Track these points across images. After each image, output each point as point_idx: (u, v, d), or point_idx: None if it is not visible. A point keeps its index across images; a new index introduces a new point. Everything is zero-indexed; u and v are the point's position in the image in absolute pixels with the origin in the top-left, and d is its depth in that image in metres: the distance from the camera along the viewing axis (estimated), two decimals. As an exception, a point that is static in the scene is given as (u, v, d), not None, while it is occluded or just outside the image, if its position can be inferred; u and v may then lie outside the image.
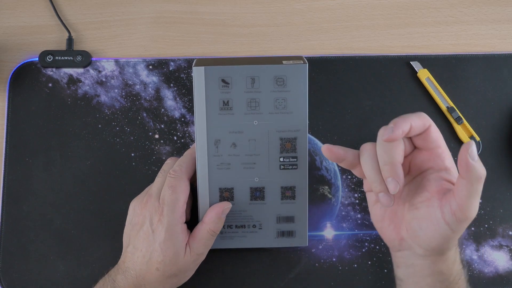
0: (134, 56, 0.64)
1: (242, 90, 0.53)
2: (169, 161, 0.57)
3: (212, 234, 0.54)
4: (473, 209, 0.46)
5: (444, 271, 0.49)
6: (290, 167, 0.55)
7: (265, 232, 0.56)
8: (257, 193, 0.55)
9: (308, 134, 0.56)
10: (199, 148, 0.54)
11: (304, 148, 0.55)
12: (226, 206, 0.54)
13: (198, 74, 0.53)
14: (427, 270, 0.50)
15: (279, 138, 0.54)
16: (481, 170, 0.44)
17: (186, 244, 0.53)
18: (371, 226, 0.60)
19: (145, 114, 0.62)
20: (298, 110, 0.54)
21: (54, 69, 0.63)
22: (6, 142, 0.61)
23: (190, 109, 0.62)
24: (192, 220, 0.57)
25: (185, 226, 0.53)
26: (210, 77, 0.53)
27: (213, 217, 0.54)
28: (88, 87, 0.63)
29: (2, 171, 0.61)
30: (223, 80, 0.53)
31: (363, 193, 0.60)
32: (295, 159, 0.54)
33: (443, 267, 0.49)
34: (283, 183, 0.55)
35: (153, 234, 0.52)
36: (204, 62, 0.55)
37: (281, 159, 0.54)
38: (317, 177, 0.60)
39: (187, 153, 0.56)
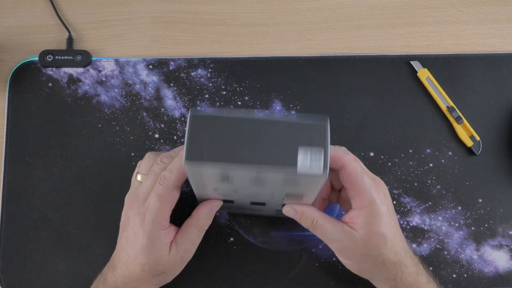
0: (134, 55, 0.64)
1: (245, 183, 0.46)
2: (159, 162, 0.53)
3: (199, 229, 0.53)
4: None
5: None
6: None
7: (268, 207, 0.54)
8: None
9: None
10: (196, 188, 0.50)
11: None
12: (216, 203, 0.53)
13: (191, 168, 0.44)
14: None
15: (284, 194, 0.50)
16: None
17: (172, 242, 0.52)
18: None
19: (145, 114, 0.62)
20: (311, 191, 0.48)
21: (54, 69, 0.63)
22: (6, 142, 0.61)
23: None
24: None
25: (169, 228, 0.52)
26: (207, 173, 0.45)
27: (201, 213, 0.53)
28: (88, 87, 0.63)
29: (2, 171, 0.61)
30: (222, 175, 0.45)
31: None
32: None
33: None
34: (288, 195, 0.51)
35: (135, 238, 0.51)
36: (201, 118, 0.44)
37: (284, 200, 0.51)
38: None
39: (181, 155, 0.52)
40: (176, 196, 0.52)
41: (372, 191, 0.49)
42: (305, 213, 0.51)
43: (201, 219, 0.53)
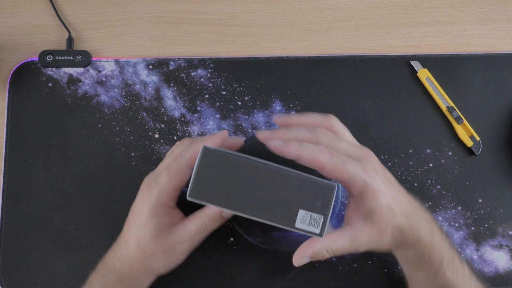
0: (134, 55, 0.64)
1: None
2: (180, 143, 0.54)
3: (204, 227, 0.52)
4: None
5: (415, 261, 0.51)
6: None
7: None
8: None
9: None
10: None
11: None
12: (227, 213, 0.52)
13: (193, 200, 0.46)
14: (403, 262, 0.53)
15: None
16: None
17: (174, 228, 0.52)
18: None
19: (145, 114, 0.62)
20: None
21: (54, 69, 0.63)
22: (6, 142, 0.61)
23: (190, 109, 0.62)
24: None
25: (173, 210, 0.52)
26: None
27: (212, 213, 0.52)
28: (88, 87, 0.63)
29: (2, 171, 0.61)
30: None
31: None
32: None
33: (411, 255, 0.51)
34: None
35: (139, 211, 0.52)
36: (212, 154, 0.45)
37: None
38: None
39: (204, 138, 0.52)
40: (185, 174, 0.51)
41: (359, 174, 0.48)
42: (316, 253, 0.49)
43: (208, 219, 0.52)
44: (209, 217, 0.52)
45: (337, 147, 0.50)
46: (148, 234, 0.51)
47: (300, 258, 0.49)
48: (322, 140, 0.50)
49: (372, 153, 0.51)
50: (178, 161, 0.51)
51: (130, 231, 0.53)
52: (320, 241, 0.49)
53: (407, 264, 0.53)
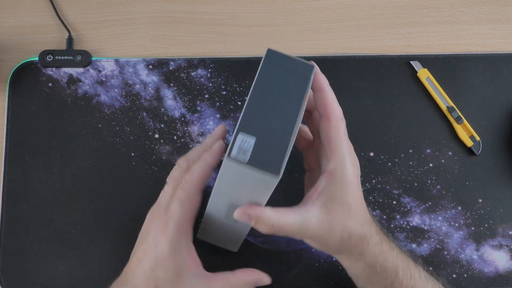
0: (134, 55, 0.64)
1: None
2: (177, 167, 0.50)
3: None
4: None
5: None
6: None
7: None
8: None
9: None
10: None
11: None
12: (265, 278, 0.50)
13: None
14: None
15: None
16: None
17: (198, 271, 0.48)
18: (371, 226, 0.60)
19: (145, 114, 0.62)
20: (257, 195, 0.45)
21: (54, 69, 0.63)
22: (6, 142, 0.61)
23: (190, 109, 0.62)
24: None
25: (192, 246, 0.49)
26: None
27: (247, 278, 0.49)
28: (88, 87, 0.63)
29: (2, 171, 0.61)
30: None
31: (362, 193, 0.60)
32: None
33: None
34: None
35: (155, 248, 0.47)
36: None
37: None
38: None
39: (203, 158, 0.49)
40: (198, 200, 0.49)
41: (346, 158, 0.46)
42: (259, 219, 0.45)
43: (242, 283, 0.49)
44: (252, 283, 0.49)
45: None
46: (172, 271, 0.46)
47: (243, 212, 0.45)
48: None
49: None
50: (186, 187, 0.48)
51: (143, 268, 0.47)
52: (269, 212, 0.45)
53: (360, 280, 0.51)
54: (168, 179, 0.50)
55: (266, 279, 0.50)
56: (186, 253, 0.47)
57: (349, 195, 0.47)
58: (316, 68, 0.46)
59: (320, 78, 0.46)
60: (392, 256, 0.49)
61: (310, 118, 0.51)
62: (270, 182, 0.40)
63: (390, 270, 0.48)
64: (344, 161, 0.46)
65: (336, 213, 0.46)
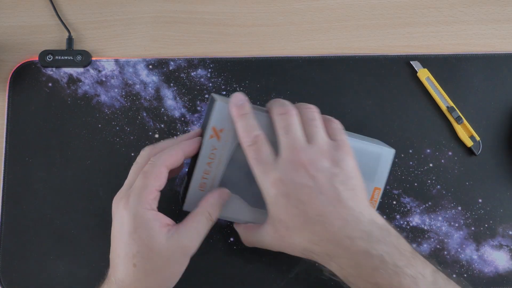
0: (134, 55, 0.64)
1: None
2: (143, 152, 0.51)
3: (207, 218, 0.48)
4: None
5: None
6: None
7: None
8: None
9: None
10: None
11: None
12: (223, 190, 0.50)
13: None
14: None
15: None
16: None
17: (169, 228, 0.46)
18: (371, 226, 0.60)
19: (145, 114, 0.62)
20: None
21: (54, 69, 0.63)
22: (6, 142, 0.61)
23: (190, 109, 0.62)
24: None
25: (159, 214, 0.47)
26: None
27: (209, 199, 0.49)
28: (88, 87, 0.63)
29: (2, 171, 0.61)
30: None
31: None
32: None
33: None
34: None
35: (122, 227, 0.46)
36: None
37: None
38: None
39: (168, 141, 0.51)
40: (163, 174, 0.47)
41: (259, 180, 0.47)
42: (240, 233, 0.52)
43: (209, 206, 0.48)
44: (210, 205, 0.49)
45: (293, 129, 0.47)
46: (142, 244, 0.45)
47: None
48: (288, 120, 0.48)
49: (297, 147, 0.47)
50: (152, 162, 0.48)
51: (117, 254, 0.46)
52: (244, 229, 0.53)
53: (346, 279, 0.48)
54: (132, 166, 0.51)
55: (223, 192, 0.50)
56: (153, 221, 0.46)
57: (280, 214, 0.47)
58: (231, 99, 0.49)
59: (231, 109, 0.49)
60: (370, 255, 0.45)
61: None
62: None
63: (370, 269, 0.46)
64: (260, 183, 0.47)
65: (281, 230, 0.48)
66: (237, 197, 0.52)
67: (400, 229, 0.60)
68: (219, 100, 0.50)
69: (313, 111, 0.49)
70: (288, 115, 0.48)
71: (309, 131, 0.48)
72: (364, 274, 0.45)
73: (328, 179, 0.46)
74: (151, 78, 0.63)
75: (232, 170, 0.51)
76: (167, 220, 0.47)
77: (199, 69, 0.63)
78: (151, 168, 0.47)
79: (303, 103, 0.51)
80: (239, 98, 0.49)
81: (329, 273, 0.48)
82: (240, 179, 0.51)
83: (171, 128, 0.62)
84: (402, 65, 0.63)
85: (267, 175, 0.47)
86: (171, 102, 0.62)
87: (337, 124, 0.51)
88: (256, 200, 0.51)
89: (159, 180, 0.47)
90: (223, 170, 0.51)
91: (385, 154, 0.54)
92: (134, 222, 0.45)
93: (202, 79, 0.63)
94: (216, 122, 0.50)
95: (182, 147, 0.49)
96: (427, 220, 0.60)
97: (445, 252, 0.59)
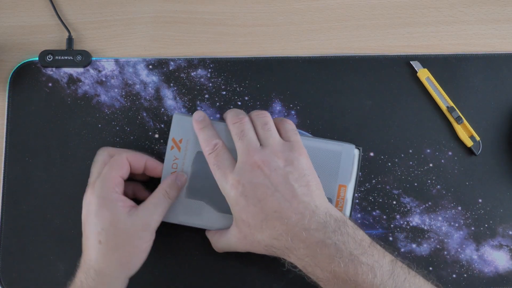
0: (134, 55, 0.64)
1: None
2: (101, 151, 0.55)
3: (164, 194, 0.52)
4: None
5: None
6: None
7: None
8: None
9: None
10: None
11: None
12: (180, 174, 0.55)
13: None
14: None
15: None
16: None
17: (132, 207, 0.51)
18: (371, 226, 0.60)
19: (145, 114, 0.62)
20: None
21: (54, 69, 0.63)
22: (6, 142, 0.61)
23: (190, 109, 0.62)
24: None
25: (122, 196, 0.52)
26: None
27: (167, 180, 0.54)
28: (88, 87, 0.63)
29: (2, 171, 0.61)
30: None
31: (362, 193, 0.60)
32: None
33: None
34: None
35: (89, 208, 0.50)
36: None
37: None
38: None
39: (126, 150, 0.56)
40: (125, 163, 0.53)
41: (220, 184, 0.52)
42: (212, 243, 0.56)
43: (166, 185, 0.53)
44: (167, 185, 0.53)
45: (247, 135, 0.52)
46: (106, 221, 0.49)
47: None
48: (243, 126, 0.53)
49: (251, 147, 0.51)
50: (117, 156, 0.53)
51: (86, 236, 0.51)
52: (213, 236, 0.56)
53: (305, 269, 0.50)
54: (93, 164, 0.55)
55: (180, 175, 0.55)
56: (117, 201, 0.50)
57: (241, 214, 0.50)
58: (193, 116, 0.55)
59: (194, 124, 0.55)
60: (326, 245, 0.48)
61: None
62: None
63: (326, 257, 0.48)
64: (221, 187, 0.51)
65: (243, 230, 0.51)
66: (203, 204, 0.55)
67: (400, 229, 0.60)
68: (176, 114, 0.57)
69: (264, 115, 0.53)
70: (241, 123, 0.52)
71: (262, 135, 0.52)
72: (321, 263, 0.48)
73: (283, 177, 0.49)
74: (151, 78, 0.63)
75: (196, 179, 0.56)
76: (129, 202, 0.52)
77: (199, 69, 0.63)
78: (113, 160, 0.53)
79: (256, 110, 0.55)
80: (199, 114, 0.55)
81: (290, 264, 0.51)
82: (204, 186, 0.55)
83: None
84: (402, 65, 0.63)
85: (226, 178, 0.51)
86: (171, 102, 0.62)
87: (290, 125, 0.54)
88: (222, 205, 0.54)
89: (122, 169, 0.52)
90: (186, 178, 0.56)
91: (345, 151, 0.55)
92: (99, 202, 0.50)
93: (202, 79, 0.63)
94: (174, 134, 0.56)
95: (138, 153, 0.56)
96: (427, 220, 0.60)
97: (445, 252, 0.59)
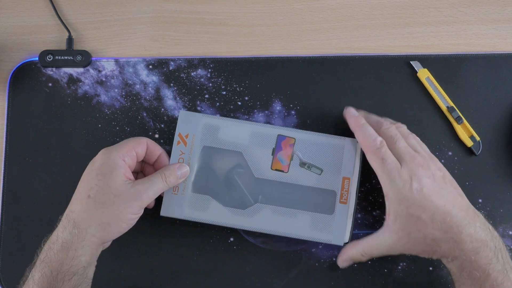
0: (134, 55, 0.64)
1: None
2: (102, 152, 0.56)
3: (162, 177, 0.54)
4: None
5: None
6: None
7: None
8: None
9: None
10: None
11: None
12: (183, 165, 0.56)
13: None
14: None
15: None
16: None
17: (128, 179, 0.53)
18: (371, 226, 0.60)
19: (145, 114, 0.62)
20: None
21: (54, 69, 0.63)
22: (6, 142, 0.61)
23: (190, 109, 0.62)
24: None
25: (127, 167, 0.53)
26: None
27: (169, 167, 0.55)
28: (88, 87, 0.63)
29: (2, 171, 0.61)
30: None
31: (363, 193, 0.60)
32: None
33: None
34: None
35: (93, 165, 0.53)
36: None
37: None
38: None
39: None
40: (144, 143, 0.55)
41: (390, 177, 0.52)
42: (352, 257, 0.55)
43: (166, 170, 0.55)
44: (167, 170, 0.55)
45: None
46: (103, 179, 0.51)
47: (341, 261, 0.56)
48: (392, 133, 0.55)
49: (428, 160, 0.54)
50: (139, 137, 0.56)
51: (78, 191, 0.52)
52: (355, 247, 0.55)
53: (459, 278, 0.53)
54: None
55: (182, 165, 0.56)
56: (120, 165, 0.52)
57: (410, 209, 0.51)
58: (346, 110, 0.58)
59: (349, 120, 0.58)
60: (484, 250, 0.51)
61: None
62: None
63: (483, 262, 0.50)
64: (388, 181, 0.53)
65: (409, 226, 0.52)
66: (209, 198, 0.56)
67: (400, 229, 0.60)
68: (182, 111, 0.58)
69: (406, 128, 0.58)
70: (392, 128, 0.56)
71: (410, 143, 0.56)
72: (478, 261, 0.50)
73: (442, 178, 0.54)
74: (151, 78, 0.63)
75: (202, 173, 0.57)
76: (131, 175, 0.54)
77: (199, 69, 0.63)
78: (134, 137, 0.56)
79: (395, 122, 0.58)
80: (353, 110, 0.58)
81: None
82: (210, 181, 0.57)
83: (171, 128, 0.62)
84: (402, 65, 0.63)
85: (399, 173, 0.53)
86: (171, 102, 0.62)
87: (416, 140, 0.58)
88: (228, 200, 0.56)
89: (139, 145, 0.55)
90: (193, 172, 0.57)
91: (348, 145, 0.57)
92: (103, 162, 0.52)
93: (202, 79, 0.63)
94: (181, 129, 0.57)
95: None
96: (427, 220, 0.60)
97: (445, 252, 0.59)
